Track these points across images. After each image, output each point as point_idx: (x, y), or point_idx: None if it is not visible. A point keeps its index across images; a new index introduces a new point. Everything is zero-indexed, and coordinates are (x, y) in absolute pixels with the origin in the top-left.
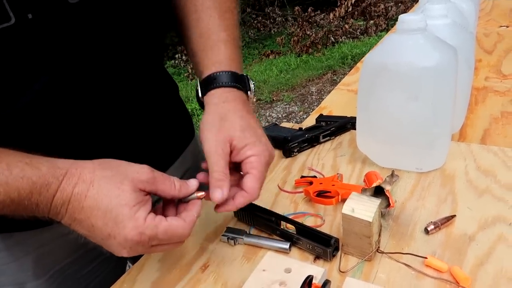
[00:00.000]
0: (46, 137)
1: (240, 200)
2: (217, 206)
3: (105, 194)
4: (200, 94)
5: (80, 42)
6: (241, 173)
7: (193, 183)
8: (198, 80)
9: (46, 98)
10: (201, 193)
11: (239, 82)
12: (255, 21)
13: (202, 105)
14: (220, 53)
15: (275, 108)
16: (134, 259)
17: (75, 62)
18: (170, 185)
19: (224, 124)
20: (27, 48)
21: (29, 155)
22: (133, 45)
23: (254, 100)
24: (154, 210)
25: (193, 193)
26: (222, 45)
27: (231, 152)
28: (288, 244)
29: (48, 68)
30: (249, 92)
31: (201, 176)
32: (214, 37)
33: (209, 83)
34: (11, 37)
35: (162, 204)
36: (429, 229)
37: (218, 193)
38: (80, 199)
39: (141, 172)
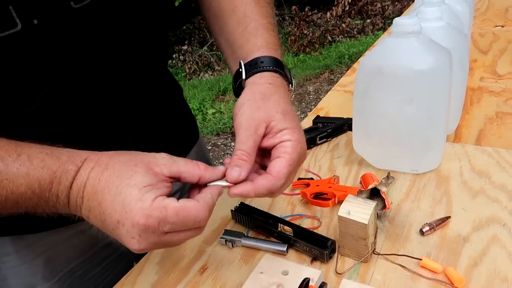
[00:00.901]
0: (52, 142)
1: (262, 183)
2: (233, 188)
3: (117, 175)
4: (243, 76)
5: (85, 45)
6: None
7: (220, 168)
8: (241, 63)
9: (53, 103)
10: (227, 184)
11: (283, 70)
12: None
13: (239, 92)
14: (263, 38)
15: None
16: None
17: (81, 66)
18: (193, 166)
19: (267, 102)
20: (34, 53)
21: (50, 146)
22: (136, 48)
23: (293, 96)
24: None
25: (219, 179)
26: (264, 31)
27: (265, 135)
28: (286, 246)
29: (55, 73)
30: (290, 85)
31: (228, 160)
32: (254, 24)
33: (255, 66)
34: (18, 43)
35: (188, 192)
36: (424, 230)
37: (235, 172)
38: (94, 183)
39: (159, 157)
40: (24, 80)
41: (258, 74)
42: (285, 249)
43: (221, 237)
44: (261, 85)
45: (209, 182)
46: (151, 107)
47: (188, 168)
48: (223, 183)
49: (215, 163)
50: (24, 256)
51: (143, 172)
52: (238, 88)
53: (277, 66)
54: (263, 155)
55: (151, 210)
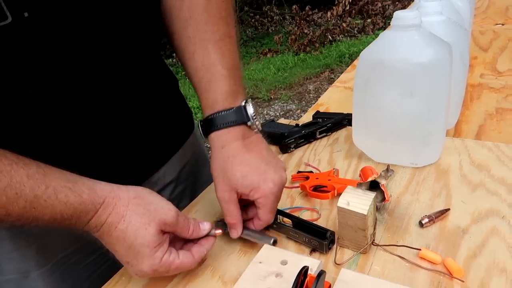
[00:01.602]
0: (47, 130)
1: (257, 226)
2: (218, 234)
3: (133, 231)
4: (203, 138)
5: (76, 38)
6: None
7: (206, 227)
8: (199, 124)
9: (45, 93)
10: (218, 231)
11: (237, 116)
12: (253, 20)
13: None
14: (213, 93)
15: (273, 106)
16: None
17: (73, 58)
18: (186, 230)
19: (226, 174)
20: (24, 45)
21: (71, 177)
22: (130, 39)
23: (259, 125)
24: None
25: (204, 235)
26: (216, 82)
27: (240, 196)
28: (272, 239)
29: (46, 64)
30: (248, 123)
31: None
32: (207, 76)
33: (208, 126)
34: (9, 36)
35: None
36: (423, 222)
37: (235, 233)
38: (110, 228)
39: (169, 215)
40: (15, 70)
41: (212, 135)
42: (271, 242)
43: (216, 221)
44: (218, 153)
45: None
46: (145, 97)
47: (182, 230)
48: (216, 231)
49: None
50: (18, 242)
51: (154, 232)
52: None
53: (227, 119)
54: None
55: (159, 266)
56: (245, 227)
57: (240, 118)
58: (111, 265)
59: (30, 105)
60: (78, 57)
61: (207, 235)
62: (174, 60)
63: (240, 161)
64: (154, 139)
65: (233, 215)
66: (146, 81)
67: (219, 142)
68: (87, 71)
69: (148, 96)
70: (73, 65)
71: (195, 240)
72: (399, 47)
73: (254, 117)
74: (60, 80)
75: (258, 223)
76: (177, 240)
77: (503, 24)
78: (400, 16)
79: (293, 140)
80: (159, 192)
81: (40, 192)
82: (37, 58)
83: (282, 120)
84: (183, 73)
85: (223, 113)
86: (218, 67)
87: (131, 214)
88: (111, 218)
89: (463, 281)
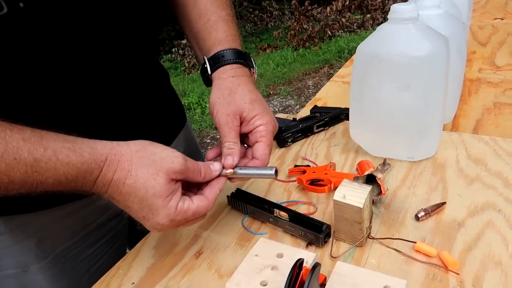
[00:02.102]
0: (41, 123)
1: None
2: (230, 174)
3: (142, 184)
4: (209, 72)
5: (71, 29)
6: (245, 145)
7: (217, 167)
8: (205, 59)
9: (40, 85)
10: (230, 170)
11: (243, 59)
12: (252, 15)
13: (208, 83)
14: (223, 32)
15: (272, 101)
16: (133, 245)
17: (67, 49)
18: (197, 174)
19: (234, 97)
20: (20, 36)
21: (69, 138)
22: (123, 33)
23: (256, 77)
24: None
25: (216, 176)
26: (224, 24)
27: (241, 123)
28: (274, 169)
29: (42, 55)
30: (252, 69)
31: (211, 153)
32: (214, 17)
33: (217, 61)
34: (4, 26)
35: None
36: (419, 216)
37: (230, 160)
38: (118, 185)
39: (176, 162)
40: (11, 61)
41: (221, 69)
42: (273, 172)
43: None
44: (225, 79)
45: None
46: (138, 90)
47: (194, 175)
48: (227, 171)
49: None
50: (17, 236)
51: (164, 182)
52: (206, 80)
53: (237, 57)
54: (243, 137)
55: (176, 215)
56: (241, 167)
57: (247, 61)
58: (109, 259)
59: (23, 100)
60: (72, 49)
61: (218, 176)
62: (173, 56)
63: (249, 90)
64: (146, 132)
65: (233, 140)
66: (137, 74)
67: (230, 73)
68: (79, 63)
69: (139, 89)
70: (66, 57)
71: (206, 183)
72: (396, 41)
73: (255, 68)
74: (54, 72)
75: (255, 163)
76: (191, 186)
77: (502, 19)
78: (397, 9)
79: (291, 134)
80: None
81: (39, 154)
82: (32, 49)
83: (280, 115)
84: (182, 68)
85: (234, 51)
86: (222, 12)
87: (137, 167)
88: (117, 175)
89: (458, 274)
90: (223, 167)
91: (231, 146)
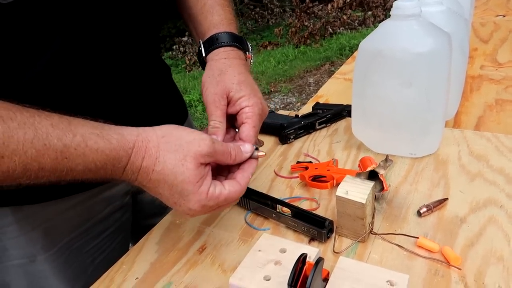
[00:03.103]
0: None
1: (242, 145)
2: (262, 155)
3: (171, 170)
4: (204, 54)
5: (81, 17)
6: (236, 130)
7: (247, 148)
8: (200, 42)
9: (54, 68)
10: (262, 153)
11: (238, 42)
12: (253, 12)
13: (204, 66)
14: (219, 16)
15: (273, 99)
16: (136, 239)
17: (79, 36)
18: (227, 156)
19: (223, 77)
20: (34, 20)
21: (97, 124)
22: (128, 28)
23: (252, 61)
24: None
25: (246, 158)
26: (220, 8)
27: (228, 104)
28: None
29: (56, 39)
30: (247, 53)
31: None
32: (210, 1)
33: (212, 43)
34: (22, 11)
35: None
36: (421, 211)
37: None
38: (147, 172)
39: (203, 145)
40: (27, 45)
41: (215, 51)
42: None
43: None
44: (217, 61)
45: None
46: (141, 85)
47: (224, 157)
48: (259, 153)
49: None
50: (24, 227)
51: (192, 167)
52: (202, 63)
53: (231, 39)
54: (233, 119)
55: (207, 201)
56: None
57: (242, 45)
58: (113, 251)
59: (38, 83)
60: (85, 33)
61: (250, 158)
62: (174, 53)
63: (239, 72)
64: (147, 125)
65: (219, 120)
66: (141, 68)
67: (222, 55)
68: (89, 51)
69: (142, 82)
70: (81, 41)
71: (237, 166)
72: (398, 37)
73: (252, 51)
74: (67, 58)
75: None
76: (221, 170)
77: (504, 16)
78: (399, 5)
79: (293, 130)
80: None
81: (68, 140)
82: (48, 33)
83: (282, 111)
84: (183, 66)
85: (229, 34)
86: None
87: (164, 153)
88: (145, 162)
89: (460, 269)
90: (255, 149)
91: (216, 125)
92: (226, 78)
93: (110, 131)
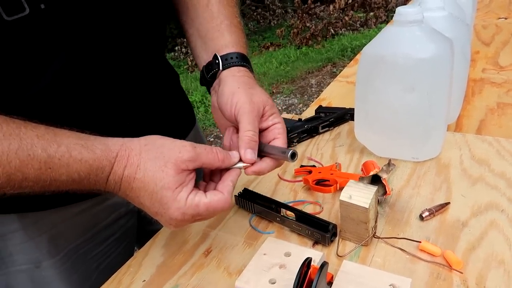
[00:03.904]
0: (55, 121)
1: (271, 163)
2: (250, 168)
3: (151, 177)
4: (220, 67)
5: (89, 29)
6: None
7: (235, 155)
8: (217, 55)
9: (58, 84)
10: (247, 164)
11: (250, 65)
12: (255, 13)
13: (205, 81)
14: (237, 36)
15: (275, 100)
16: (141, 244)
17: (85, 49)
18: (214, 157)
19: (256, 91)
20: (41, 36)
21: (82, 135)
22: (138, 34)
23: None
24: (199, 185)
25: (236, 164)
26: (236, 29)
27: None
28: (290, 152)
29: (61, 55)
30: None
31: (227, 140)
32: (227, 22)
33: (230, 60)
34: (26, 27)
35: (208, 173)
36: (423, 215)
37: (251, 154)
38: (129, 181)
39: (183, 151)
40: (31, 60)
41: (235, 68)
42: (288, 154)
43: None
44: (242, 77)
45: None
46: (147, 92)
47: (209, 159)
48: (240, 165)
49: None
50: (30, 233)
51: (172, 173)
52: (210, 77)
53: (245, 61)
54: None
55: (186, 209)
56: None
57: (251, 68)
58: (118, 256)
59: (41, 98)
60: (89, 49)
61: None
62: (176, 54)
63: (261, 90)
64: (159, 132)
65: (255, 130)
66: (149, 76)
67: (244, 73)
68: (96, 63)
69: (150, 91)
70: (85, 56)
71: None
72: (401, 43)
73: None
74: (73, 71)
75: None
76: (215, 176)
77: (506, 18)
78: (402, 12)
79: (296, 134)
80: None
81: (53, 151)
82: (53, 48)
83: (285, 115)
84: (185, 67)
85: (245, 56)
86: (235, 20)
87: (145, 161)
88: (127, 170)
89: (462, 273)
90: (240, 159)
91: (254, 138)
92: (259, 92)
93: (95, 142)
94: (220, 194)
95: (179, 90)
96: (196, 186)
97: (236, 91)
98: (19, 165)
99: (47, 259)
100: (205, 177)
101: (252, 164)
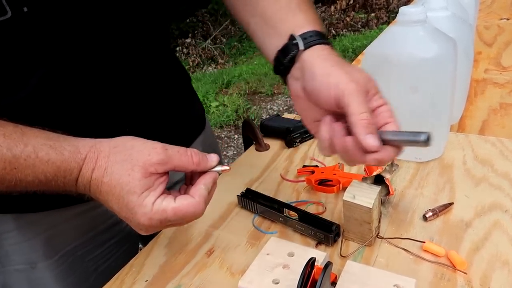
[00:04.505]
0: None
1: (395, 150)
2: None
3: (117, 181)
4: (302, 47)
5: (76, 34)
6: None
7: (213, 158)
8: (294, 35)
9: (44, 90)
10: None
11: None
12: None
13: (280, 66)
14: (309, 14)
15: (276, 101)
16: (146, 242)
17: (72, 55)
18: (187, 160)
19: (353, 69)
20: (23, 41)
21: (52, 135)
22: (134, 37)
23: None
24: (180, 189)
25: (213, 167)
26: (307, 7)
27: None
28: (427, 135)
29: (45, 61)
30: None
31: (325, 133)
32: (296, 0)
33: (310, 39)
34: (7, 31)
35: (189, 176)
36: (427, 216)
37: (374, 140)
38: (97, 184)
39: (153, 154)
40: (15, 66)
41: (319, 46)
42: (425, 137)
43: None
44: (330, 55)
45: (203, 171)
46: (158, 94)
47: (182, 162)
48: (218, 168)
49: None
50: (26, 234)
51: (139, 177)
52: (289, 61)
53: (327, 39)
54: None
55: (152, 214)
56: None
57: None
58: (118, 260)
59: (26, 104)
60: (75, 55)
61: (214, 172)
62: (177, 54)
63: (358, 67)
64: (166, 136)
65: (369, 111)
66: (158, 78)
67: (332, 51)
68: (86, 68)
69: (160, 93)
70: (71, 64)
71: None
72: (404, 43)
73: None
74: (57, 79)
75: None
76: (195, 179)
77: (508, 19)
78: (405, 11)
79: (299, 134)
80: (169, 189)
81: (19, 151)
82: (36, 54)
83: (287, 115)
84: (186, 67)
85: (322, 34)
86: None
87: (112, 164)
88: (95, 173)
89: (466, 273)
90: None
91: (371, 120)
92: (357, 69)
93: (64, 143)
94: (191, 199)
95: (190, 92)
96: (177, 189)
97: (332, 71)
98: None
99: (42, 261)
100: (186, 180)
101: (374, 152)
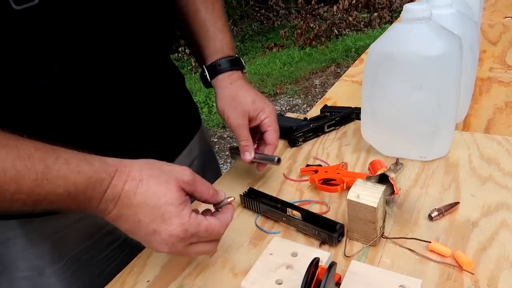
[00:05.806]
0: (55, 121)
1: (269, 152)
2: (258, 166)
3: (154, 191)
4: (209, 79)
5: (96, 24)
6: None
7: (222, 195)
8: (203, 66)
9: (63, 79)
10: (231, 198)
11: (236, 64)
12: (258, 14)
13: (207, 85)
14: (219, 42)
15: (279, 101)
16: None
17: (92, 43)
18: (206, 189)
19: (238, 102)
20: (49, 27)
21: (79, 152)
22: (142, 33)
23: (247, 75)
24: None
25: (222, 200)
26: (219, 34)
27: (249, 121)
28: (276, 158)
29: (68, 48)
30: (244, 70)
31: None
32: (212, 28)
33: (214, 69)
34: (35, 17)
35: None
36: (433, 215)
37: (248, 155)
38: (129, 196)
39: (184, 174)
40: (38, 53)
41: (219, 76)
42: (275, 160)
43: (230, 147)
44: (225, 88)
45: (212, 203)
46: (153, 93)
47: (202, 189)
48: (228, 199)
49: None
50: (32, 240)
51: (175, 190)
52: (206, 83)
53: (231, 64)
54: (253, 131)
55: (189, 225)
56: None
57: (240, 65)
58: (122, 262)
59: (44, 94)
60: (95, 44)
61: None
62: (179, 55)
63: (247, 91)
64: (162, 136)
65: (246, 138)
66: (154, 78)
67: (228, 80)
68: (102, 59)
69: (155, 93)
70: (91, 52)
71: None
72: (409, 40)
73: (245, 67)
74: (80, 66)
75: (269, 149)
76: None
77: None
78: (410, 8)
79: (302, 134)
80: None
81: (51, 162)
82: (59, 42)
83: (290, 114)
84: (188, 67)
85: (229, 58)
86: (219, 23)
87: (147, 177)
88: (128, 185)
89: (473, 274)
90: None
91: (246, 143)
92: (241, 102)
93: (92, 156)
94: (218, 221)
95: (184, 91)
96: None
97: (224, 110)
98: (15, 175)
99: (50, 266)
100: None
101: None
